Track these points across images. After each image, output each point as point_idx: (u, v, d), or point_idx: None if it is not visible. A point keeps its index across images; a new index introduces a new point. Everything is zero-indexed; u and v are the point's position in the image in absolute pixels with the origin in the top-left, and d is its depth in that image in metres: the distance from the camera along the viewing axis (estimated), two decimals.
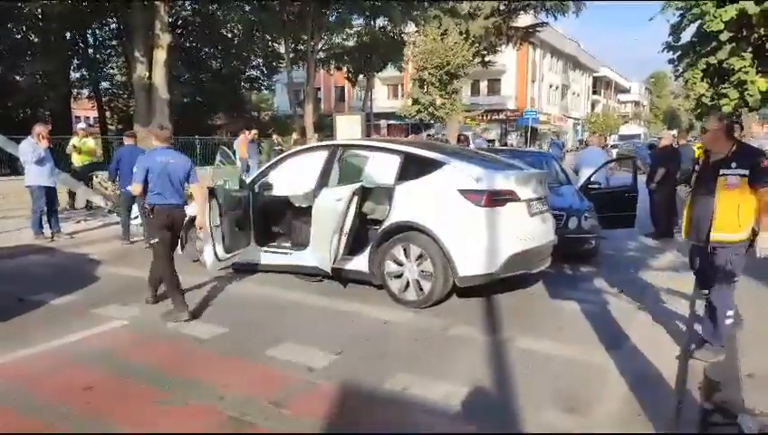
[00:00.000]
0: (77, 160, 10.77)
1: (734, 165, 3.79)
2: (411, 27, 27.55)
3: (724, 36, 14.55)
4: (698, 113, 22.47)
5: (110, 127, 25.85)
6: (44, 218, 8.48)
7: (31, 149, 8.04)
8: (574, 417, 3.25)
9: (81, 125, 11.27)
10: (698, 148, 10.34)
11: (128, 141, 8.78)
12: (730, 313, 3.96)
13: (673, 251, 7.98)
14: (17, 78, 24.07)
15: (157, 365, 3.94)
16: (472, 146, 20.89)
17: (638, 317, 5.05)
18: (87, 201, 11.22)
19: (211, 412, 3.26)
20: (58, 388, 3.59)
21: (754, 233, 3.78)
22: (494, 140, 36.34)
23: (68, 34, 24.88)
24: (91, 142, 11.25)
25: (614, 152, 25.11)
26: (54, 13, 17.55)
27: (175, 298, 4.90)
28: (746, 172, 3.73)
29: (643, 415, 3.24)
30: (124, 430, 3.10)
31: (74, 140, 10.88)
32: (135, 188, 5.06)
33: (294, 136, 20.25)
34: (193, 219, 6.56)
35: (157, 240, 5.00)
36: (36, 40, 23.93)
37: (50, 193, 8.40)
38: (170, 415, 3.24)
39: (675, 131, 14.50)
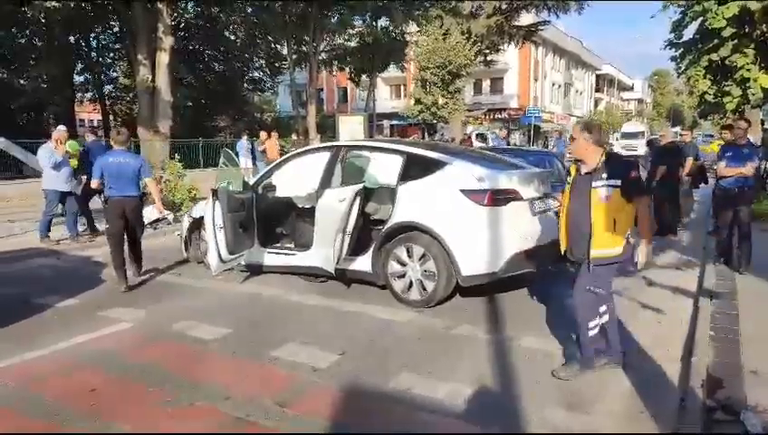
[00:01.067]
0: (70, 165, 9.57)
1: (604, 176, 3.55)
2: (413, 27, 27.55)
3: (727, 33, 14.49)
4: (701, 110, 22.36)
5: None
6: (53, 222, 8.54)
7: (48, 154, 8.14)
8: (577, 415, 3.27)
9: (62, 127, 9.73)
10: (715, 144, 10.32)
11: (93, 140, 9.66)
12: (592, 323, 3.74)
13: (675, 249, 7.97)
14: (21, 82, 24.24)
15: (162, 367, 3.97)
16: (490, 144, 20.97)
17: (640, 315, 5.06)
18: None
19: (216, 413, 3.29)
20: (63, 390, 3.62)
21: (628, 243, 3.62)
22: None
23: (71, 38, 25.02)
24: (75, 145, 11.06)
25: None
26: (58, 17, 17.64)
27: (117, 275, 5.99)
28: (618, 183, 3.52)
29: (646, 412, 3.26)
30: (129, 431, 3.12)
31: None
32: (93, 184, 6.26)
33: (294, 137, 20.38)
34: (198, 221, 6.63)
35: (108, 226, 6.24)
36: (40, 44, 24.09)
37: (65, 198, 8.45)
38: (175, 416, 3.27)
39: (678, 128, 14.48)
